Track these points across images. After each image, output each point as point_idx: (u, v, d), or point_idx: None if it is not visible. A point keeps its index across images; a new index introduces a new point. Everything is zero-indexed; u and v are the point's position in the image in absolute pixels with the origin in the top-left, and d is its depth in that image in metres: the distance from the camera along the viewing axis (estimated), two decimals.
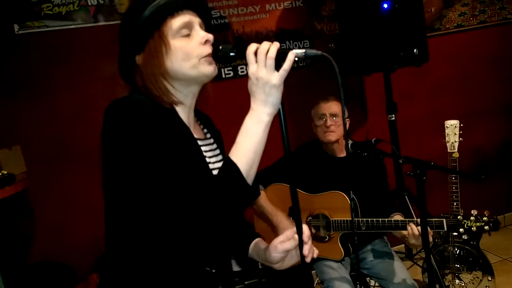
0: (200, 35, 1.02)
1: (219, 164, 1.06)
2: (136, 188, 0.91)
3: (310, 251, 1.02)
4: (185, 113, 1.08)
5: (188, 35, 1.02)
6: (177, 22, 1.00)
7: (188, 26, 1.02)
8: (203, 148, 1.09)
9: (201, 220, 0.91)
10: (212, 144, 1.17)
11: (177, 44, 1.01)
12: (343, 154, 2.22)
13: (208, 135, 1.19)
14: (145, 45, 1.02)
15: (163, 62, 1.01)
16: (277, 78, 0.90)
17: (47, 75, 2.49)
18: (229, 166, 0.92)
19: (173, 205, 0.90)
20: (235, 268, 2.44)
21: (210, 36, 1.03)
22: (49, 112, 2.50)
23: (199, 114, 1.23)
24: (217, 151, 1.17)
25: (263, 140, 0.94)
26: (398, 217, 2.02)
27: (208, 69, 1.03)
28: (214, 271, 1.08)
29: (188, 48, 1.01)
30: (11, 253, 2.45)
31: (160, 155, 0.91)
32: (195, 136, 1.09)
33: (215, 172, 1.06)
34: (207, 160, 1.08)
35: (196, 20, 1.04)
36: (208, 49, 1.02)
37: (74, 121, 2.53)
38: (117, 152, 0.91)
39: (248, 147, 0.93)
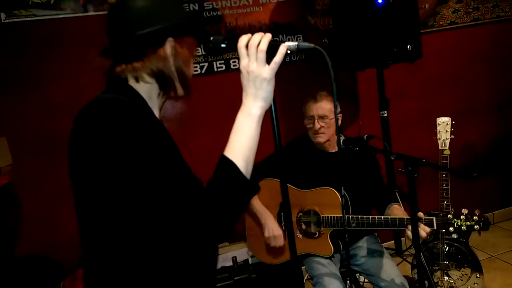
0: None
1: None
2: (134, 192, 0.85)
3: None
4: (157, 113, 1.07)
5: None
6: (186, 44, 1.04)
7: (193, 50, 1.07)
8: None
9: (204, 221, 0.87)
10: None
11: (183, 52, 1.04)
12: (334, 149, 2.20)
13: None
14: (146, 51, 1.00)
15: (170, 65, 1.02)
16: (268, 71, 0.88)
17: (34, 65, 2.44)
18: (227, 164, 0.90)
19: (172, 207, 0.85)
20: (228, 263, 2.43)
21: None
22: (36, 103, 2.45)
23: None
24: None
25: (256, 135, 0.93)
26: (396, 207, 2.02)
27: None
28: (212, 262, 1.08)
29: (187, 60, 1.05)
30: None
31: (152, 158, 0.86)
32: None
33: None
34: None
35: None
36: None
37: (62, 112, 2.48)
38: (106, 161, 0.85)
39: (242, 144, 0.92)
